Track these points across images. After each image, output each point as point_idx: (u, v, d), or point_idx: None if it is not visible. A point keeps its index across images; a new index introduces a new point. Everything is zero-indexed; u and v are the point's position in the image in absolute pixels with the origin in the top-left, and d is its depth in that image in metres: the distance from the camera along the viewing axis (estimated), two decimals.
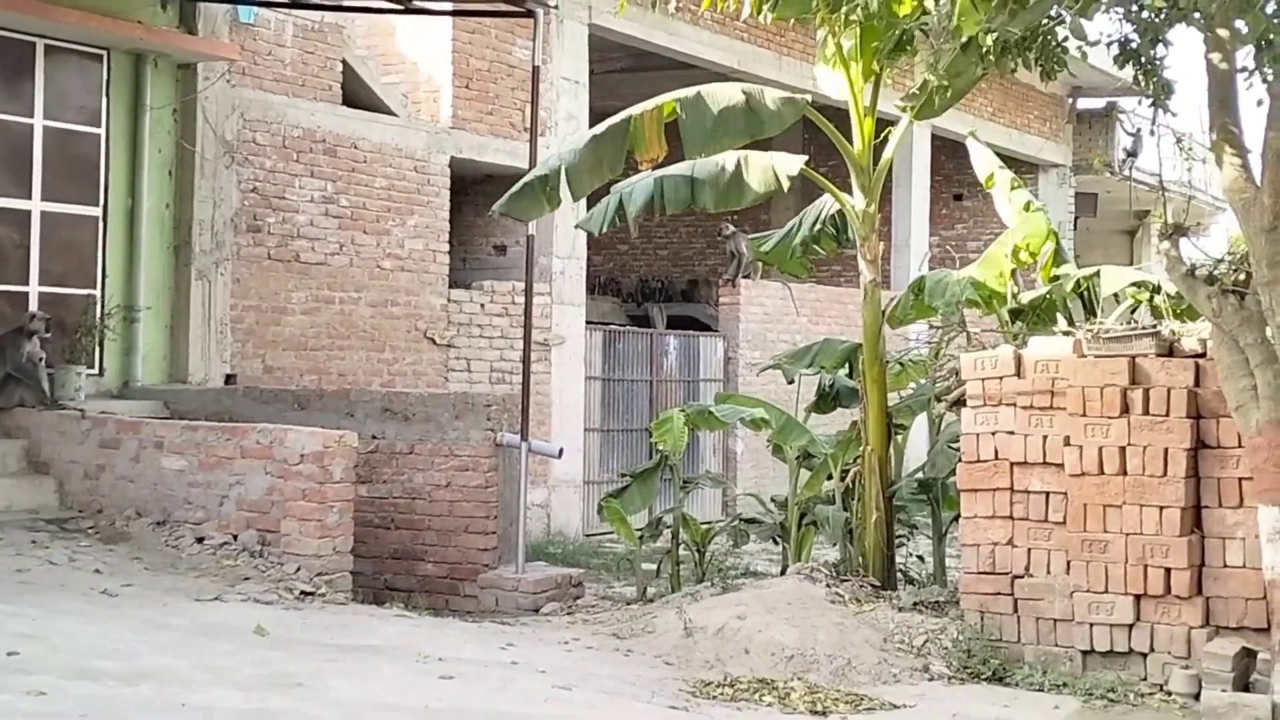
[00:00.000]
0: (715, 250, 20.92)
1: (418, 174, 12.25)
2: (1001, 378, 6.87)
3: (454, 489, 8.84)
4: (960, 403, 7.21)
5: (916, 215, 19.19)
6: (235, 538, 7.85)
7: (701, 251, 22.10)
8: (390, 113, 12.38)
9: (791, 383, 9.59)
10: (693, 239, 22.34)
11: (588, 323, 14.44)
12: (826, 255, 9.30)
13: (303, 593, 7.27)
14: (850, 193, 8.28)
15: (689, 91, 7.67)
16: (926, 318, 8.99)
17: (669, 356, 15.81)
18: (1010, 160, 21.05)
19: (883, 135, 8.15)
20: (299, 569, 7.53)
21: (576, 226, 8.73)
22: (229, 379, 10.60)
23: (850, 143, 8.11)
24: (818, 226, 8.94)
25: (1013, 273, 8.32)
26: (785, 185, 7.80)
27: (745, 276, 16.41)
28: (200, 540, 7.90)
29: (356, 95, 12.15)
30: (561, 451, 10.15)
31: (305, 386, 10.67)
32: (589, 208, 9.18)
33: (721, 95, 7.65)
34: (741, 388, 15.92)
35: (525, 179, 7.93)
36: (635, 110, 7.62)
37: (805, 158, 7.98)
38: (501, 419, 8.89)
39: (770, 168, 7.87)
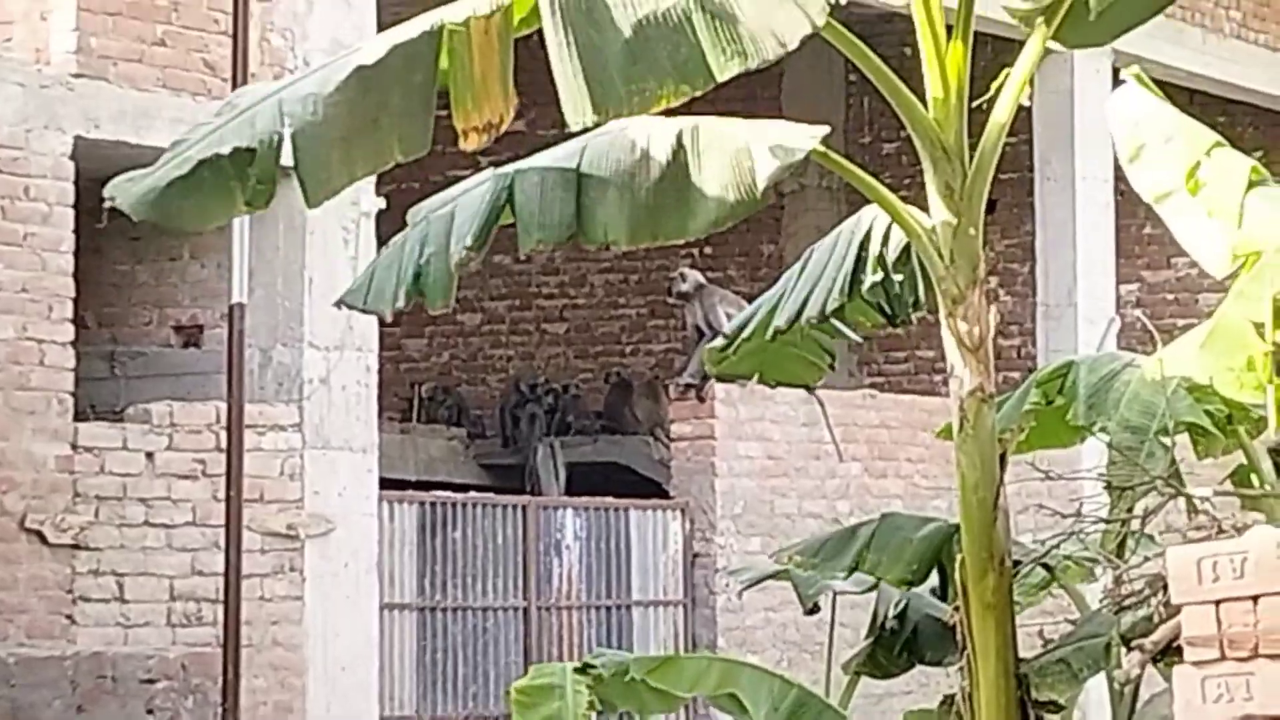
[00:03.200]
0: (666, 322, 21.00)
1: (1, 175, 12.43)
2: (1255, 598, 6.88)
3: None
4: (1172, 651, 7.23)
5: (1087, 244, 19.48)
6: None
7: (637, 323, 22.25)
8: None
9: (812, 612, 9.73)
10: (620, 297, 22.54)
11: (386, 485, 14.52)
12: (870, 329, 9.49)
13: None
14: (925, 203, 8.34)
15: None
16: (1052, 444, 9.16)
17: (566, 554, 15.96)
18: (1270, 117, 21.46)
19: (997, 77, 8.23)
20: None
21: (338, 304, 8.72)
22: None
23: (920, 95, 8.20)
24: (848, 271, 8.99)
25: (1274, 361, 8.36)
26: (761, 192, 7.79)
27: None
28: None
29: None
30: None
31: None
32: (380, 243, 9.05)
33: None
34: (723, 617, 15.86)
35: (200, 146, 7.88)
36: (453, 14, 7.62)
37: (825, 129, 8.03)
38: (181, 709, 8.87)
39: (743, 150, 7.90)
